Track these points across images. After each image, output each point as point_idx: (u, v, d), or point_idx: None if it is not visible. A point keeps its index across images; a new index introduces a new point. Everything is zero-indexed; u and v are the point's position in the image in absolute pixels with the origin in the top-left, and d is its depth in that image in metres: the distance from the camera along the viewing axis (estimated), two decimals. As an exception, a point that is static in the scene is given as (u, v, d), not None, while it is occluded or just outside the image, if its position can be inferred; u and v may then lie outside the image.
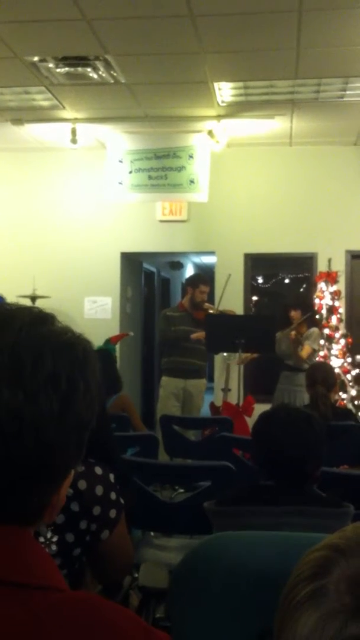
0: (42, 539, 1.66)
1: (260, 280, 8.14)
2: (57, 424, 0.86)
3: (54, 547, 1.69)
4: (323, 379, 4.37)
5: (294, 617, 0.62)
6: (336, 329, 7.43)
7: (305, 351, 6.35)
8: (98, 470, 1.80)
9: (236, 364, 6.77)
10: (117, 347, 7.62)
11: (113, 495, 1.81)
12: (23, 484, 0.86)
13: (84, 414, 0.89)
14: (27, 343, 0.88)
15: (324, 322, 7.40)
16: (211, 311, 6.83)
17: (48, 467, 0.87)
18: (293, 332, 6.28)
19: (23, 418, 0.84)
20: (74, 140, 6.96)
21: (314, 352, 6.52)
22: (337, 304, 7.52)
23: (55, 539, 1.69)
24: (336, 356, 7.33)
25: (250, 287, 8.00)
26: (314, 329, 6.57)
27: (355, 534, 0.67)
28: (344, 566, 0.63)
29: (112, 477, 1.82)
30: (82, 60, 5.47)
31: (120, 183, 7.16)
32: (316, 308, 7.37)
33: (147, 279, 9.93)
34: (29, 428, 0.84)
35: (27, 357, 0.86)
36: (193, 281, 7.00)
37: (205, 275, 7.62)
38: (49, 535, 1.68)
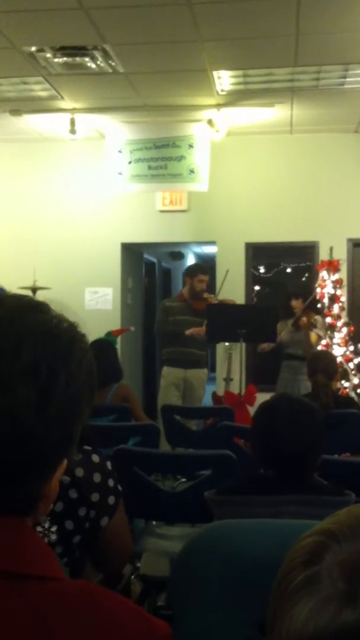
0: (39, 529, 1.66)
1: (261, 270, 8.13)
2: (36, 413, 0.84)
3: (53, 537, 1.70)
4: (324, 368, 4.37)
5: (288, 604, 0.62)
6: (338, 317, 7.42)
7: (312, 338, 6.36)
8: (95, 458, 1.80)
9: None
10: (119, 337, 7.64)
11: (111, 482, 1.82)
12: (6, 473, 0.85)
13: (68, 404, 0.87)
14: (7, 330, 0.86)
15: (325, 310, 7.39)
16: (213, 300, 6.81)
17: (31, 458, 0.85)
18: (305, 319, 6.27)
19: None
20: (72, 131, 6.94)
21: (320, 339, 6.53)
22: (339, 292, 7.51)
23: (54, 528, 1.70)
24: (338, 345, 7.32)
25: (251, 277, 7.99)
26: (319, 317, 6.58)
27: (347, 518, 0.66)
28: (336, 551, 0.62)
29: (109, 464, 1.83)
30: (80, 50, 5.45)
31: (119, 173, 7.14)
32: (318, 297, 7.36)
33: (148, 270, 9.92)
34: (5, 417, 0.83)
35: (6, 345, 0.85)
36: (191, 271, 6.99)
37: (204, 265, 7.62)
38: (46, 524, 1.68)
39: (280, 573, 0.65)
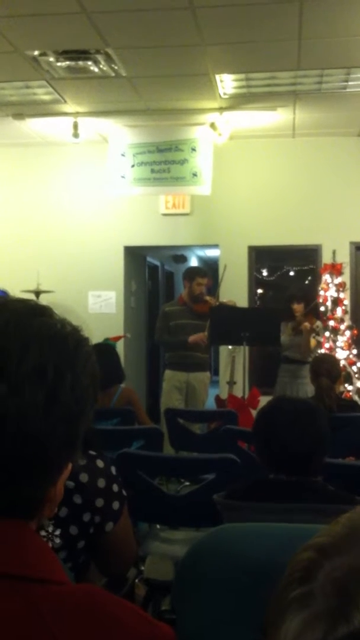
0: (43, 533, 1.66)
1: (265, 272, 8.13)
2: (43, 415, 0.85)
3: (57, 541, 1.69)
4: (327, 371, 4.36)
5: (281, 619, 0.62)
6: (341, 320, 7.41)
7: (312, 343, 6.35)
8: (99, 463, 1.80)
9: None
10: (122, 340, 7.64)
11: (115, 488, 1.81)
12: (12, 475, 0.86)
13: (73, 406, 0.88)
14: (14, 334, 0.87)
15: (329, 314, 7.38)
16: (215, 303, 6.80)
17: (36, 460, 0.86)
18: (307, 324, 6.27)
19: (6, 409, 0.83)
20: (75, 135, 6.96)
21: (318, 344, 6.52)
22: (342, 295, 7.51)
23: (57, 532, 1.69)
24: (342, 348, 7.31)
25: (254, 280, 7.99)
26: (318, 322, 6.58)
27: (341, 530, 0.66)
28: (328, 568, 0.63)
29: (113, 469, 1.82)
30: (82, 54, 5.46)
31: (122, 177, 7.15)
32: (321, 300, 7.36)
33: (151, 273, 9.92)
34: (13, 419, 0.83)
35: (13, 348, 0.86)
36: (189, 274, 6.97)
37: (202, 268, 7.61)
38: (50, 528, 1.68)
39: (279, 586, 0.66)
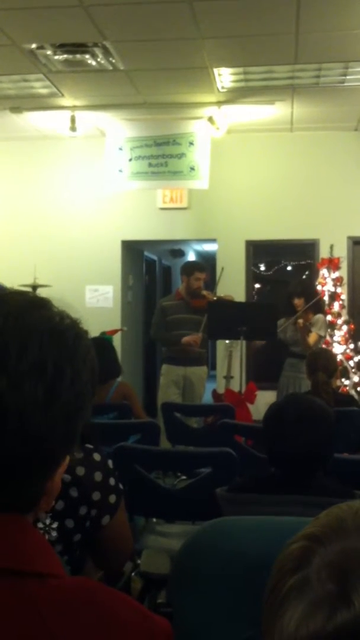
0: (40, 525, 1.66)
1: (262, 267, 8.13)
2: (43, 411, 0.84)
3: (54, 534, 1.70)
4: (324, 366, 4.36)
5: (280, 611, 0.62)
6: (338, 315, 7.42)
7: (312, 338, 6.34)
8: (96, 457, 1.80)
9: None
10: (119, 335, 7.63)
11: (112, 481, 1.81)
12: (11, 471, 0.85)
13: (73, 401, 0.87)
14: (14, 329, 0.86)
15: (326, 308, 7.38)
16: (211, 298, 6.80)
17: (36, 455, 0.86)
18: (301, 321, 6.26)
19: (6, 405, 0.83)
20: (73, 128, 6.94)
21: (321, 338, 6.51)
22: (339, 290, 7.51)
23: (55, 525, 1.70)
24: (339, 343, 7.32)
25: (252, 275, 7.99)
26: (320, 316, 6.54)
27: (328, 520, 0.67)
28: (322, 554, 0.63)
29: (110, 463, 1.82)
30: (80, 47, 5.44)
31: (120, 171, 7.14)
32: (319, 295, 7.36)
33: (149, 267, 9.92)
34: (13, 415, 0.83)
35: (12, 343, 0.85)
36: (187, 269, 6.95)
37: (200, 262, 7.60)
38: (47, 521, 1.68)
39: (271, 581, 0.66)
